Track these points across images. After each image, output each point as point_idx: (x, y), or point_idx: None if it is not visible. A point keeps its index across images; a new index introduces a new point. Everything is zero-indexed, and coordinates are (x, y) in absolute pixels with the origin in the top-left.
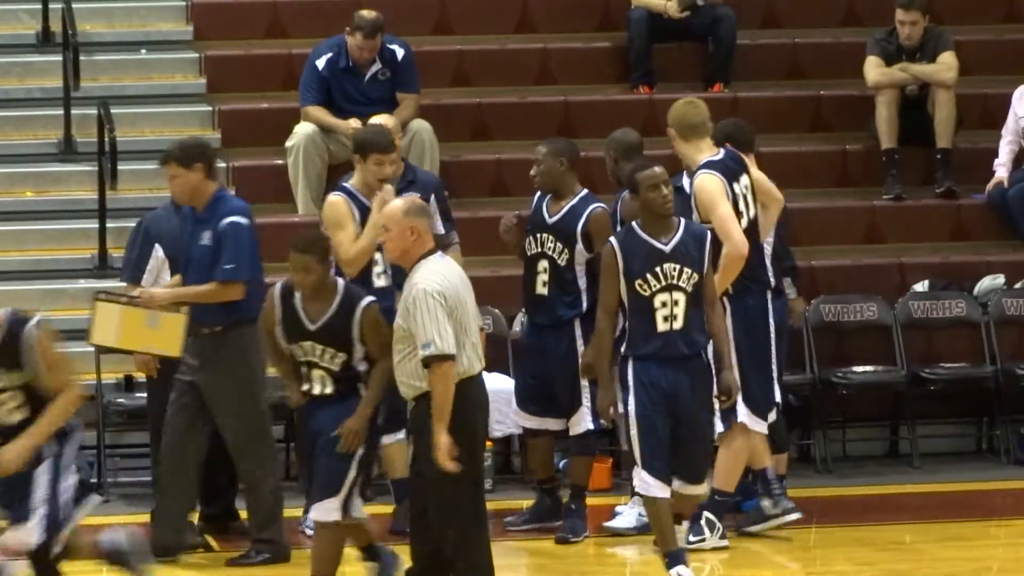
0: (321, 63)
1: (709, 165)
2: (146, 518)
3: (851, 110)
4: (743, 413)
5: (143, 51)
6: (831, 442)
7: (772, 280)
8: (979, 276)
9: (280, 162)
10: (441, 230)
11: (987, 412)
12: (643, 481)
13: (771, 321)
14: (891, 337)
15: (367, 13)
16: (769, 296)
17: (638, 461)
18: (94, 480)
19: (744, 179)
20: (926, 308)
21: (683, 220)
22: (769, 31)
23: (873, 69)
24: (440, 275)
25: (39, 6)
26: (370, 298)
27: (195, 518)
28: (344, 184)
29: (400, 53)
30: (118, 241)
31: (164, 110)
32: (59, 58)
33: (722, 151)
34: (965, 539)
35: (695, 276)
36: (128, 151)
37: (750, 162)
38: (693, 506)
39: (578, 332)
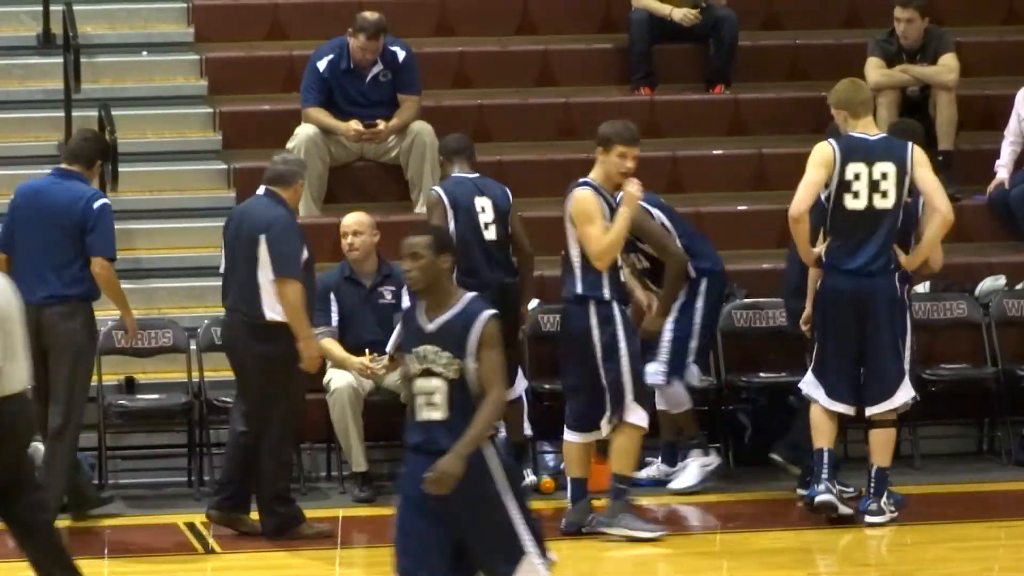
0: (322, 65)
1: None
2: (147, 519)
3: None
4: (810, 384)
5: (144, 53)
6: None
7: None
8: (980, 277)
9: None
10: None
11: (988, 413)
12: None
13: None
14: None
15: (370, 14)
16: (863, 283)
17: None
18: (96, 481)
19: (883, 166)
20: (927, 309)
21: (469, 297)
22: (770, 32)
23: (874, 70)
24: None
25: (40, 8)
26: None
27: None
28: (586, 180)
29: (401, 55)
30: (120, 243)
31: (165, 112)
32: (60, 60)
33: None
34: (966, 540)
35: (457, 363)
36: (129, 153)
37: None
38: None
39: None
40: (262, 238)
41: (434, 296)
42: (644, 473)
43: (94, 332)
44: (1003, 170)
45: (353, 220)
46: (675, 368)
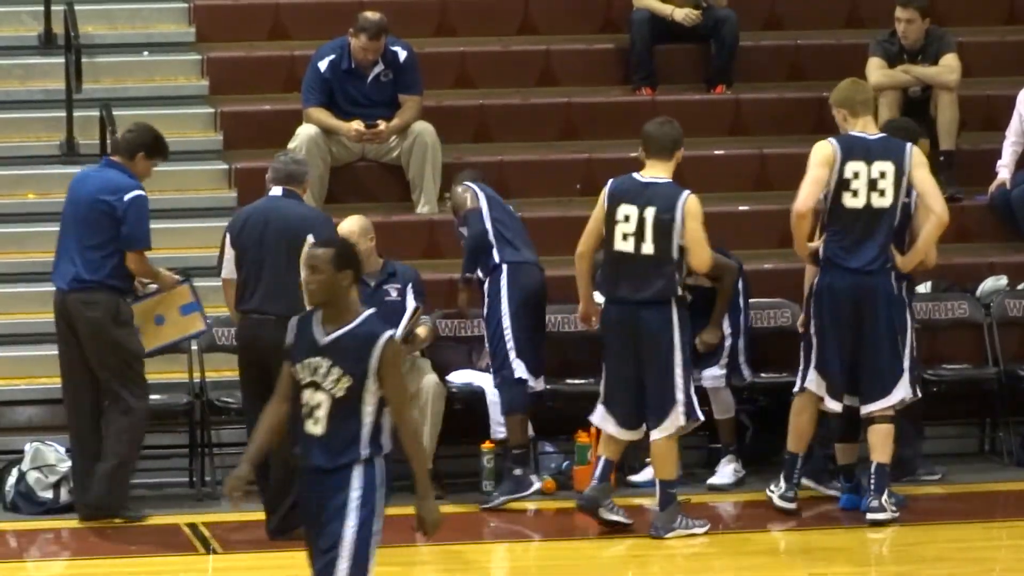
0: (323, 65)
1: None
2: (148, 519)
3: None
4: (811, 379)
5: (145, 53)
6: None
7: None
8: (981, 277)
9: None
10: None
11: (990, 414)
12: None
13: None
14: None
15: (371, 15)
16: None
17: None
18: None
19: (881, 165)
20: (928, 309)
21: (366, 315)
22: (771, 33)
23: (875, 71)
24: None
25: (41, 8)
26: None
27: None
28: (679, 184)
29: (402, 55)
30: None
31: (166, 112)
32: (61, 60)
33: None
34: (967, 540)
35: (347, 380)
36: None
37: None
38: None
39: None
40: (311, 238)
41: (333, 309)
42: (647, 474)
43: (118, 316)
44: (1004, 170)
45: (345, 230)
46: (731, 371)
